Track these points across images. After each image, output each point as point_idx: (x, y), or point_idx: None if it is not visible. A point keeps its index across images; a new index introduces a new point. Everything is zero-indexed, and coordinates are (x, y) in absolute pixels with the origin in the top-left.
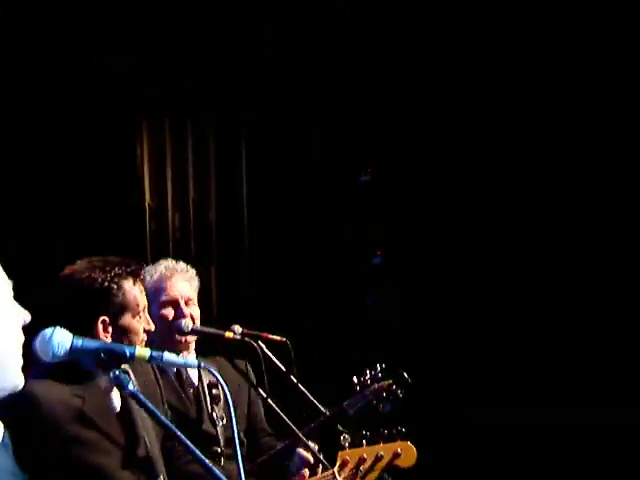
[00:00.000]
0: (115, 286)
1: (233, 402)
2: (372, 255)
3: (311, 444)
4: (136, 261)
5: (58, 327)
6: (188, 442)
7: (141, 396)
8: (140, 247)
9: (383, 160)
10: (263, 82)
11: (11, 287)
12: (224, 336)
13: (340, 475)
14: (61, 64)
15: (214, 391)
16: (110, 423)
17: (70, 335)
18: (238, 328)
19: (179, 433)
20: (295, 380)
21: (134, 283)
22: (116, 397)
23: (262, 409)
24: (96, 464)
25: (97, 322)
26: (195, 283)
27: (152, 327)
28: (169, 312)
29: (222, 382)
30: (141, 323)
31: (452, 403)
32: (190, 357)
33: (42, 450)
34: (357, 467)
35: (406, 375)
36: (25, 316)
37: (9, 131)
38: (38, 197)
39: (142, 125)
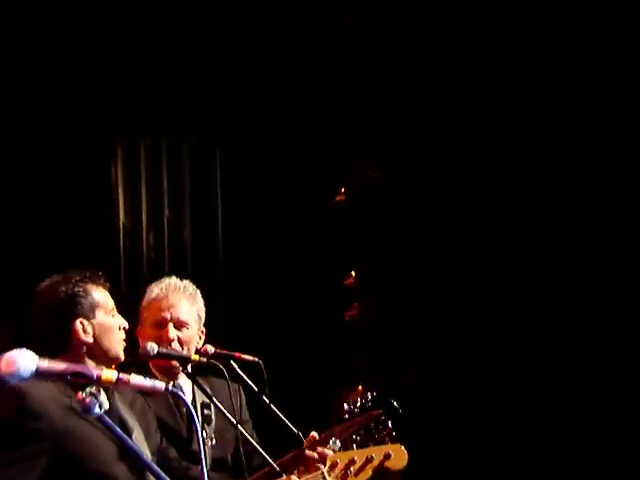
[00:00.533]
0: (80, 289)
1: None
2: (347, 273)
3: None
4: (90, 269)
5: (24, 349)
6: (149, 463)
7: (107, 419)
8: (114, 266)
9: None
10: (238, 100)
11: None
12: (190, 359)
13: (330, 475)
14: (42, 81)
15: (206, 411)
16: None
17: (35, 358)
18: (210, 348)
19: (142, 455)
20: (267, 401)
21: (96, 286)
22: (103, 397)
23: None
24: (89, 455)
25: (75, 326)
26: (197, 303)
27: (126, 325)
28: (154, 333)
29: (188, 403)
30: (115, 321)
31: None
32: (182, 378)
33: (34, 442)
34: (347, 468)
35: (396, 404)
36: None
37: None
38: (12, 216)
39: (117, 143)
